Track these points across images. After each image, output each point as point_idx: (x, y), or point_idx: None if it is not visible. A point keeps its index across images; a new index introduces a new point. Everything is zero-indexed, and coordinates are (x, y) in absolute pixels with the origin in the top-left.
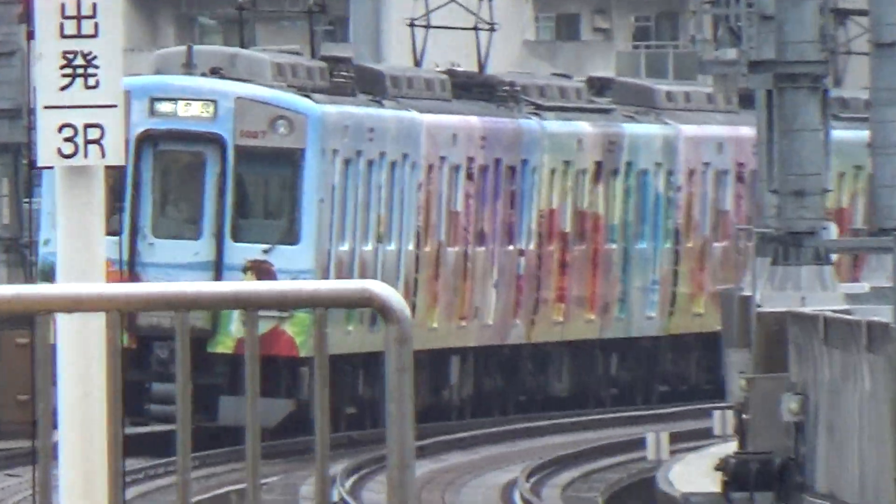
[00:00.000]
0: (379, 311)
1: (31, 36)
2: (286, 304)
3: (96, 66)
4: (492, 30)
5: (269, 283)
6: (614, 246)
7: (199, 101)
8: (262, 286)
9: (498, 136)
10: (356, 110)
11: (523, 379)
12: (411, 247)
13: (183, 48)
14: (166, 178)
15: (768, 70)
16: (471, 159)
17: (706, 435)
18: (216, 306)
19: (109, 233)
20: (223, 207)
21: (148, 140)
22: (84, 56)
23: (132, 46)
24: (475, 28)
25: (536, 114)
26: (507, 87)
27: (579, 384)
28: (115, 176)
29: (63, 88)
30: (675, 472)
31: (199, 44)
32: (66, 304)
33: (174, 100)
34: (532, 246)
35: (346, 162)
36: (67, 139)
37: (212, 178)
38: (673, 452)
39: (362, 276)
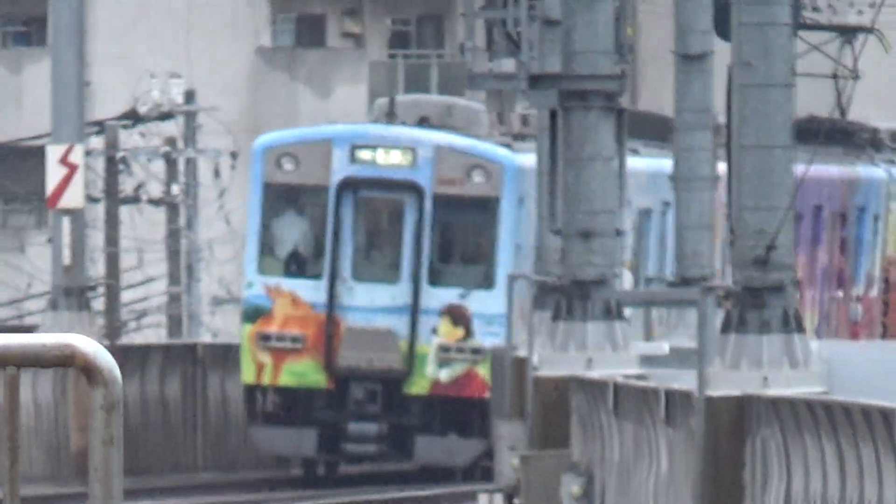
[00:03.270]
0: (82, 371)
1: None
2: None
3: None
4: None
5: None
6: None
7: (398, 149)
8: None
9: (818, 184)
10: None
11: None
12: None
13: (402, 97)
14: (366, 223)
15: (552, 85)
16: None
17: None
18: None
19: (311, 275)
20: (421, 252)
21: (349, 187)
22: None
23: None
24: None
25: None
26: (867, 134)
27: None
28: (317, 221)
29: None
30: None
31: None
32: None
33: (374, 147)
34: (874, 293)
35: (646, 212)
36: None
37: (410, 224)
38: None
39: None
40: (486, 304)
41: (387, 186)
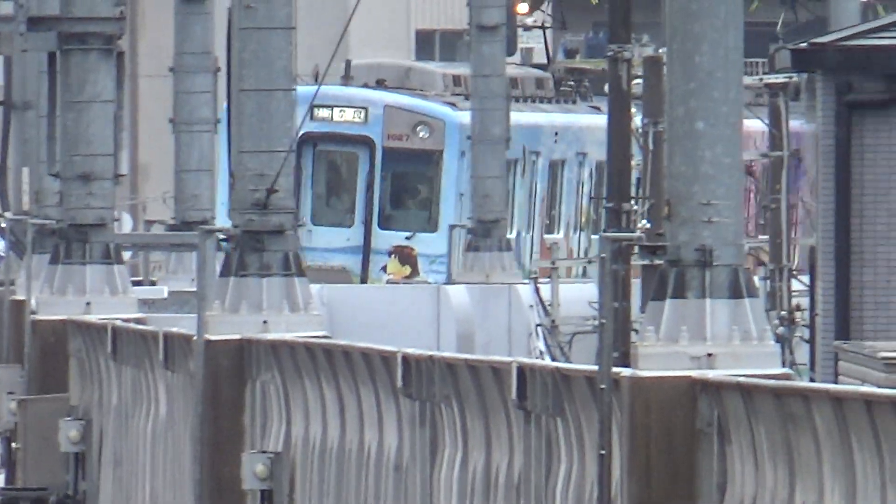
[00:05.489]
0: None
1: None
2: None
3: None
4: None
5: None
6: None
7: (351, 107)
8: None
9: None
10: (528, 116)
11: None
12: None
13: (370, 62)
14: (324, 174)
15: (51, 28)
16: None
17: None
18: None
19: None
20: (372, 200)
21: (308, 141)
22: None
23: None
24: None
25: None
26: None
27: None
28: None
29: None
30: None
31: None
32: None
33: (330, 106)
34: None
35: (513, 161)
36: None
37: (363, 174)
38: None
39: (545, 258)
40: (430, 245)
41: (342, 141)
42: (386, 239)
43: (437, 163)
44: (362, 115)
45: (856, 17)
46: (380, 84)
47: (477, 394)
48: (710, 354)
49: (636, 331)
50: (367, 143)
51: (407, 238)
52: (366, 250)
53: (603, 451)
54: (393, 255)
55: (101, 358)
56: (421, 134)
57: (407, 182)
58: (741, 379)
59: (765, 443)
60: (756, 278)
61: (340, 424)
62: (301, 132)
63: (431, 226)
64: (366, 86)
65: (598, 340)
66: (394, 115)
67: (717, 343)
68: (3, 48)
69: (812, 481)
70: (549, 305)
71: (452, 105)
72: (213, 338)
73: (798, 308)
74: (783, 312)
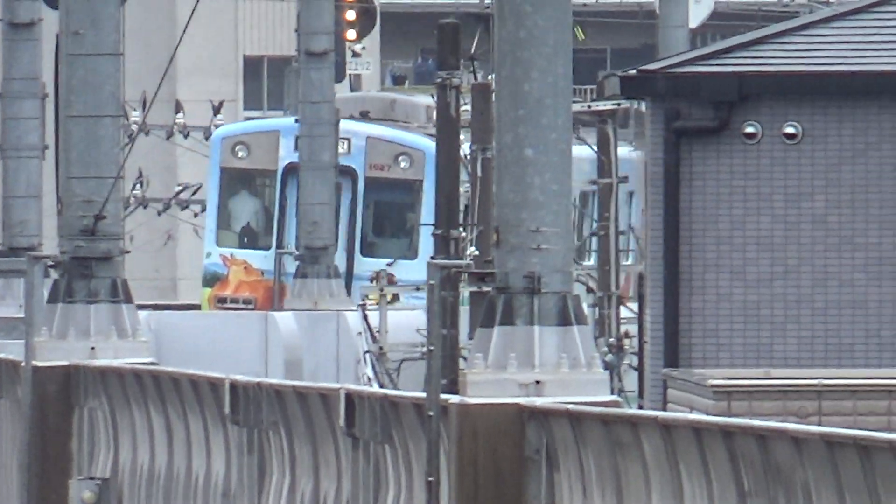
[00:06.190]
0: None
1: None
2: None
3: None
4: None
5: None
6: None
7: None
8: None
9: None
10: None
11: None
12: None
13: (355, 95)
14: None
15: None
16: None
17: None
18: None
19: (261, 247)
20: (354, 228)
21: (293, 171)
22: None
23: None
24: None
25: None
26: None
27: None
28: (266, 200)
29: None
30: None
31: None
32: None
33: None
34: None
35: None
36: None
37: (346, 203)
38: None
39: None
40: (410, 271)
41: None
42: (368, 265)
43: (417, 192)
44: (346, 146)
45: (684, 45)
46: (364, 116)
47: (305, 420)
48: (538, 381)
49: (464, 358)
50: (349, 172)
51: (388, 265)
52: (348, 276)
53: (431, 478)
54: (374, 281)
55: None
56: (402, 164)
57: (388, 211)
58: (570, 406)
59: (593, 470)
60: (584, 305)
61: (168, 451)
62: (286, 162)
63: (411, 253)
64: (350, 117)
65: (427, 367)
66: (376, 147)
67: (545, 370)
68: None
69: None
70: (378, 332)
71: (432, 136)
72: (40, 364)
73: (627, 335)
74: (612, 339)
